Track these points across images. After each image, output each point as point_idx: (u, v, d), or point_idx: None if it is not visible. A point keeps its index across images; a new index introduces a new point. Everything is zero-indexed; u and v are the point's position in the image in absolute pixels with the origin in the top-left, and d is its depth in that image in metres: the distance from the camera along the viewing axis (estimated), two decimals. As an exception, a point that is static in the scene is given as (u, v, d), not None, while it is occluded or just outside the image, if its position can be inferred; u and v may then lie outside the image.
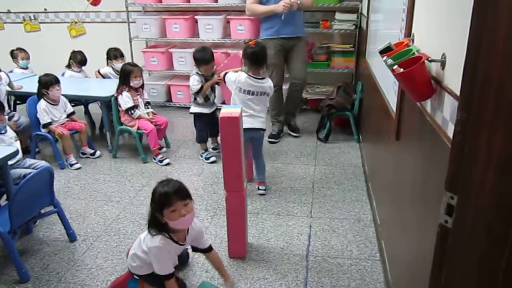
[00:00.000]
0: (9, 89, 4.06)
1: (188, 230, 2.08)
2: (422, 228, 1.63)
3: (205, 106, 3.79)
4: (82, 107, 4.73)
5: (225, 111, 2.34)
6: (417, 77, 1.50)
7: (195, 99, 3.77)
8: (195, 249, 2.24)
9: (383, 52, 1.77)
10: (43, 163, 3.00)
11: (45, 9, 5.76)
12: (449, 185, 1.05)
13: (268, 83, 3.09)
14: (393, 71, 1.61)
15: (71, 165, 3.79)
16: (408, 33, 1.97)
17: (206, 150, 3.91)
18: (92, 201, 3.23)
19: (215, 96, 3.87)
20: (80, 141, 4.03)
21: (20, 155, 2.82)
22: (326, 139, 4.23)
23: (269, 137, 4.17)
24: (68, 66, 4.76)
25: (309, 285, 2.30)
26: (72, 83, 4.37)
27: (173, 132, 4.55)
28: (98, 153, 4.02)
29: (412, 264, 1.77)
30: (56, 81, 3.77)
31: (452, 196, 1.04)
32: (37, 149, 3.99)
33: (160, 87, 5.37)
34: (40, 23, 5.85)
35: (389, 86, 2.43)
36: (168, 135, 4.24)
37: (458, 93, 1.19)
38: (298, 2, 3.82)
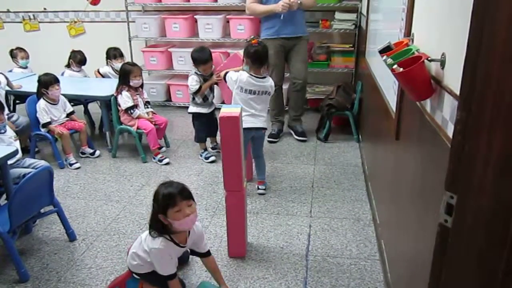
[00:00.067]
0: (8, 89, 4.06)
1: (189, 232, 2.09)
2: (421, 227, 1.63)
3: (203, 106, 3.79)
4: (81, 107, 4.72)
5: (225, 111, 2.34)
6: (417, 77, 1.50)
7: (193, 99, 3.77)
8: (193, 253, 2.24)
9: (382, 51, 1.77)
10: (42, 163, 2.99)
11: (45, 9, 5.76)
12: (449, 185, 1.05)
13: (269, 82, 3.09)
14: (392, 70, 1.61)
15: (71, 164, 3.78)
16: (408, 32, 1.97)
17: (205, 149, 3.91)
18: (92, 200, 3.23)
19: (213, 96, 3.87)
20: (79, 140, 4.03)
21: (19, 154, 2.82)
22: (326, 139, 4.23)
23: (268, 137, 4.17)
24: (68, 65, 4.76)
25: (309, 285, 2.30)
26: (71, 83, 4.37)
27: (173, 132, 4.55)
28: (97, 152, 4.01)
29: (412, 264, 1.77)
30: (56, 80, 3.77)
31: (452, 195, 1.04)
32: (36, 149, 3.98)
33: (159, 87, 5.37)
34: (39, 22, 5.84)
35: (388, 86, 2.43)
36: (168, 134, 4.24)
37: (458, 92, 1.19)
38: (299, 1, 3.82)
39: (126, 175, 3.64)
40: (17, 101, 4.65)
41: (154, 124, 3.88)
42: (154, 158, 3.87)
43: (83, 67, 4.80)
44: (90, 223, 2.92)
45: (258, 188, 3.26)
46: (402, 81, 1.60)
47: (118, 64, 4.38)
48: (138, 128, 3.84)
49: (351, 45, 4.84)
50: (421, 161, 1.71)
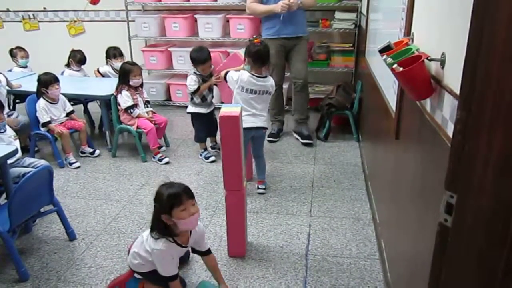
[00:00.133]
0: (8, 88, 4.05)
1: (190, 232, 2.09)
2: (421, 227, 1.63)
3: (202, 106, 3.79)
4: (81, 106, 4.72)
5: (225, 110, 2.34)
6: (417, 76, 1.50)
7: (192, 98, 3.77)
8: (193, 251, 2.25)
9: (382, 51, 1.77)
10: (42, 162, 3.00)
11: (44, 8, 5.75)
12: (449, 184, 1.05)
13: (270, 82, 3.09)
14: (392, 70, 1.61)
15: (71, 164, 3.78)
16: (408, 32, 1.97)
17: (205, 149, 3.91)
18: (92, 200, 3.23)
19: (212, 96, 3.86)
20: (79, 140, 4.03)
21: (19, 154, 2.82)
22: (326, 138, 4.23)
23: (268, 136, 4.17)
24: (68, 65, 4.76)
25: (309, 284, 2.30)
26: (71, 82, 4.37)
27: (173, 131, 4.54)
28: (97, 152, 4.01)
29: (412, 263, 1.77)
30: (56, 80, 3.77)
31: (452, 195, 1.04)
32: (36, 148, 3.99)
33: (159, 86, 5.37)
34: (39, 22, 5.84)
35: (388, 85, 2.43)
36: (168, 134, 4.24)
37: (457, 92, 1.19)
38: (299, 2, 3.82)
39: (126, 175, 3.64)
40: (17, 101, 4.64)
41: (154, 124, 3.88)
42: (154, 158, 3.87)
43: (82, 66, 4.80)
44: (90, 223, 2.92)
45: (258, 188, 3.27)
46: (402, 80, 1.60)
47: (118, 64, 4.38)
48: (138, 127, 3.84)
49: (351, 45, 4.84)
50: (421, 160, 1.71)
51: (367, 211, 2.99)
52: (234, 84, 3.05)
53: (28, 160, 3.07)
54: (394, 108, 2.23)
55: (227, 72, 3.12)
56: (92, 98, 4.56)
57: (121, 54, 4.62)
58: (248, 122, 2.97)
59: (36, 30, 5.86)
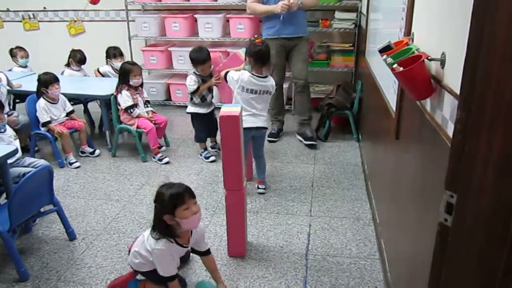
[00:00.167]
0: (8, 88, 4.05)
1: (191, 232, 2.09)
2: (421, 226, 1.63)
3: (201, 106, 3.78)
4: (81, 106, 4.72)
5: (225, 110, 2.34)
6: (417, 76, 1.50)
7: (191, 99, 3.76)
8: (192, 251, 2.25)
9: (382, 51, 1.77)
10: (42, 162, 3.00)
11: (44, 8, 5.75)
12: (449, 184, 1.05)
13: (270, 82, 3.09)
14: (392, 69, 1.61)
15: (71, 163, 3.79)
16: (408, 32, 1.97)
17: (205, 149, 3.91)
18: (92, 199, 3.23)
19: (212, 96, 3.86)
20: (79, 140, 4.03)
21: (19, 153, 2.82)
22: (326, 138, 4.23)
23: (268, 136, 4.17)
24: (68, 64, 4.76)
25: (309, 284, 2.30)
26: (71, 82, 4.37)
27: (173, 131, 4.55)
28: (97, 152, 4.01)
29: (412, 263, 1.77)
30: (56, 79, 3.77)
31: (452, 194, 1.04)
32: (36, 148, 3.99)
33: (159, 86, 5.37)
34: (39, 21, 5.84)
35: (388, 85, 2.44)
36: (168, 134, 4.24)
37: (458, 92, 1.19)
38: (299, 2, 3.81)
39: (126, 174, 3.64)
40: (17, 100, 4.65)
41: (154, 123, 3.88)
42: (154, 157, 3.87)
43: (82, 66, 4.80)
44: (90, 222, 2.92)
45: (258, 188, 3.27)
46: (402, 80, 1.60)
47: (118, 63, 4.38)
48: (138, 127, 3.84)
49: (351, 45, 4.84)
50: (421, 160, 1.71)
51: (367, 211, 2.99)
52: (235, 84, 3.05)
53: (28, 160, 3.07)
54: (394, 108, 2.23)
55: (227, 72, 3.12)
56: (92, 98, 4.56)
57: (121, 54, 4.62)
58: (248, 122, 2.97)
59: (36, 30, 5.86)
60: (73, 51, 4.77)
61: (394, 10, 2.41)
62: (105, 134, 4.20)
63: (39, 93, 3.76)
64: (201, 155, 3.88)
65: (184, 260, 2.43)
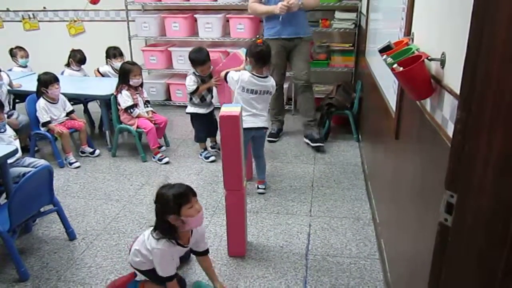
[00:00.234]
0: (9, 87, 4.05)
1: (191, 231, 2.09)
2: (421, 226, 1.63)
3: (201, 106, 3.78)
4: (81, 106, 4.72)
5: (225, 110, 2.34)
6: (417, 76, 1.50)
7: (191, 99, 3.76)
8: (190, 251, 2.26)
9: (382, 51, 1.77)
10: (42, 162, 3.00)
11: (44, 8, 5.75)
12: (449, 184, 1.05)
13: (270, 82, 3.09)
14: (392, 69, 1.61)
15: (71, 163, 3.78)
16: (408, 32, 1.97)
17: (205, 149, 3.91)
18: (92, 199, 3.23)
19: (212, 96, 3.85)
20: (79, 139, 4.03)
21: (19, 153, 2.82)
22: (326, 138, 4.23)
23: (268, 136, 4.17)
24: (67, 64, 4.76)
25: (309, 284, 2.30)
26: (71, 82, 4.37)
27: (173, 131, 4.54)
28: (97, 152, 4.01)
29: (412, 263, 1.77)
30: (55, 79, 3.77)
31: (452, 194, 1.04)
32: (36, 148, 3.99)
33: (159, 86, 5.37)
34: (39, 21, 5.84)
35: (388, 85, 2.44)
36: (168, 134, 4.24)
37: (458, 92, 1.19)
38: (300, 3, 3.81)
39: (126, 174, 3.64)
40: (17, 100, 4.64)
41: (154, 123, 3.88)
42: (154, 157, 3.87)
43: (82, 66, 4.80)
44: (90, 222, 2.92)
45: (258, 188, 3.27)
46: (402, 80, 1.60)
47: (117, 63, 4.38)
48: (138, 127, 3.84)
49: (351, 45, 4.84)
50: (421, 160, 1.71)
51: (367, 211, 2.99)
52: (235, 84, 3.04)
53: (28, 159, 3.07)
54: (394, 108, 2.23)
55: (227, 73, 3.11)
56: (92, 98, 4.56)
57: (121, 54, 4.62)
58: (248, 122, 2.97)
59: (36, 30, 5.86)
60: (73, 51, 4.77)
61: (394, 10, 2.41)
62: (105, 134, 4.20)
63: (39, 93, 3.76)
64: (201, 155, 3.88)
65: (184, 260, 2.43)
